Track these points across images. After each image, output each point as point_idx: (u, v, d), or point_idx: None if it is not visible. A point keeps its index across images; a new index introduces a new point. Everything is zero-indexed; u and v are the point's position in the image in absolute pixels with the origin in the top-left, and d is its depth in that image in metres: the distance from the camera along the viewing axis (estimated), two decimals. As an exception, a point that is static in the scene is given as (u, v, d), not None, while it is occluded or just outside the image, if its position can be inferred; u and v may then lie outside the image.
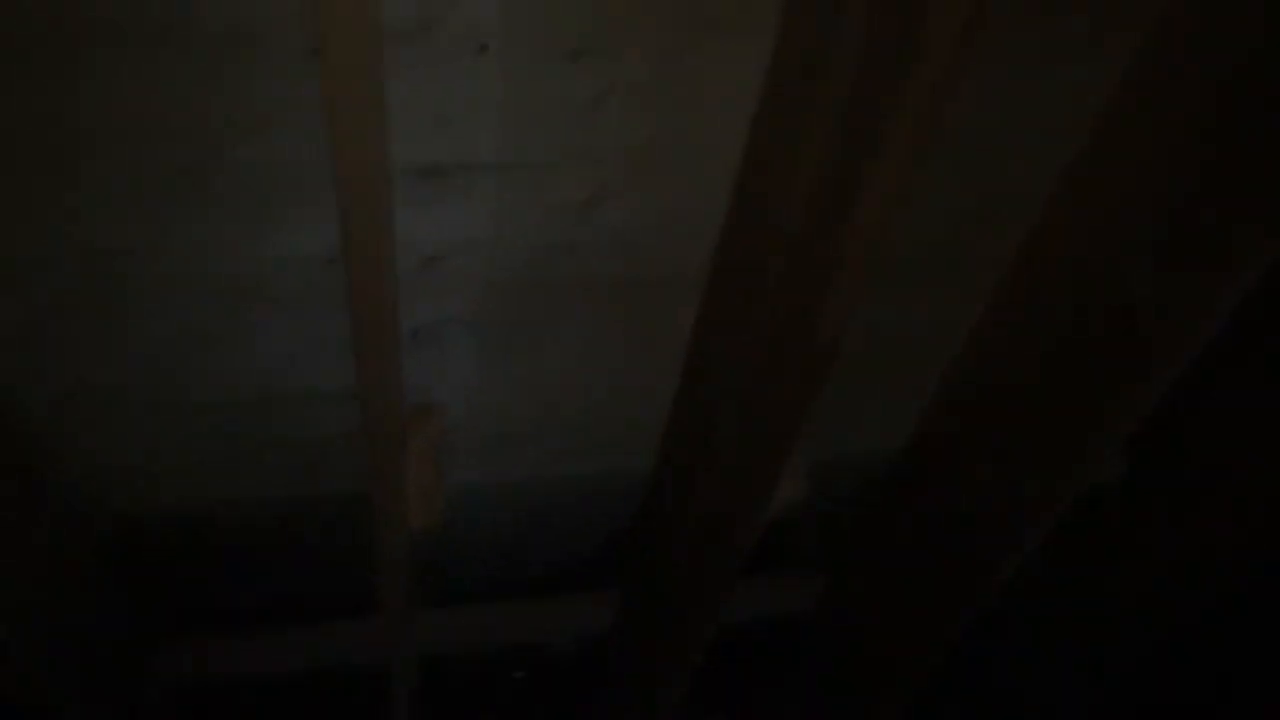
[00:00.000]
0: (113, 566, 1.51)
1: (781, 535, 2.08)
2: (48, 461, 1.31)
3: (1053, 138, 1.21)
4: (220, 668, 1.82)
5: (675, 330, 1.32)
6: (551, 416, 1.44)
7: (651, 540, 1.67)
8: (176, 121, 0.98)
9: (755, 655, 2.32)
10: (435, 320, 1.26)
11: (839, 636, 1.93)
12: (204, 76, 0.94)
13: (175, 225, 1.08)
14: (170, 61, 0.93)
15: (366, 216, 0.89)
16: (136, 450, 1.35)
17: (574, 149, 1.08)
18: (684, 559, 1.51)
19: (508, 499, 1.63)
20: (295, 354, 1.26)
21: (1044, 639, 2.07)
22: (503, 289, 1.23)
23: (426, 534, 1.19)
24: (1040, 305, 1.25)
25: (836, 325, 1.03)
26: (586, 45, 0.99)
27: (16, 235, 1.06)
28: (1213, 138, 1.04)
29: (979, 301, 1.37)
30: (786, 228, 1.03)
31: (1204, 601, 1.82)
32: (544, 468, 1.56)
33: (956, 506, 1.48)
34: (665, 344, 1.35)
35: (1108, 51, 1.13)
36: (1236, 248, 1.02)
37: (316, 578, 1.88)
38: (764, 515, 1.29)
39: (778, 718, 2.30)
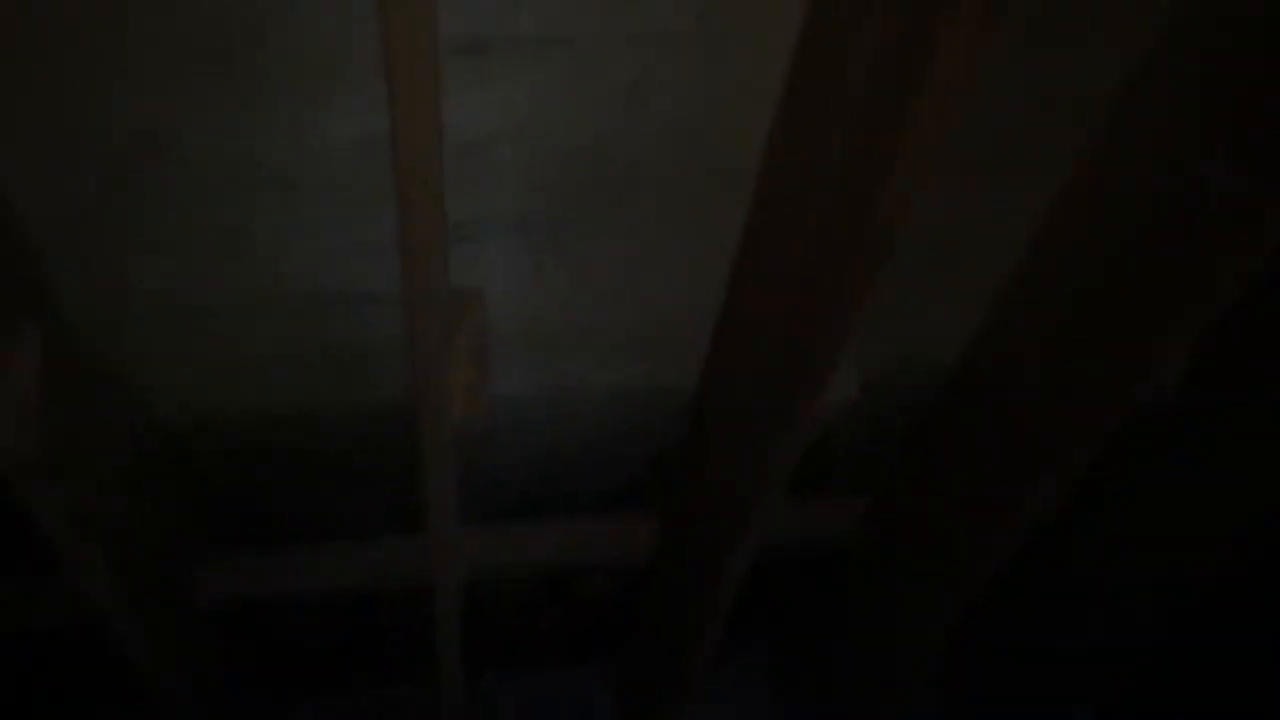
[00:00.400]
0: (157, 478, 1.50)
1: (823, 459, 2.07)
2: (91, 366, 1.30)
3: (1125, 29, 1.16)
4: (263, 585, 1.82)
5: (727, 225, 1.28)
6: (595, 322, 1.41)
7: (695, 456, 1.64)
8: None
9: (794, 580, 2.31)
10: (476, 215, 1.23)
11: (880, 560, 1.91)
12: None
13: (212, 110, 1.06)
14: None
15: (413, 85, 0.87)
16: (178, 354, 1.34)
17: (619, 24, 1.04)
18: (728, 471, 1.48)
19: (548, 411, 1.60)
20: (339, 251, 1.24)
21: (1077, 586, 2.04)
22: (546, 182, 1.20)
23: (471, 426, 1.16)
24: (1110, 201, 1.20)
25: (896, 209, 0.99)
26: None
27: (59, 118, 1.04)
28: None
29: (1044, 198, 1.33)
30: (846, 108, 0.99)
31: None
32: (586, 379, 1.53)
33: (1012, 417, 1.45)
34: (716, 241, 1.31)
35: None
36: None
37: (363, 494, 1.87)
38: (813, 420, 1.26)
39: (816, 642, 2.29)
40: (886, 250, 0.97)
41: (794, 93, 1.10)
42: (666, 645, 1.96)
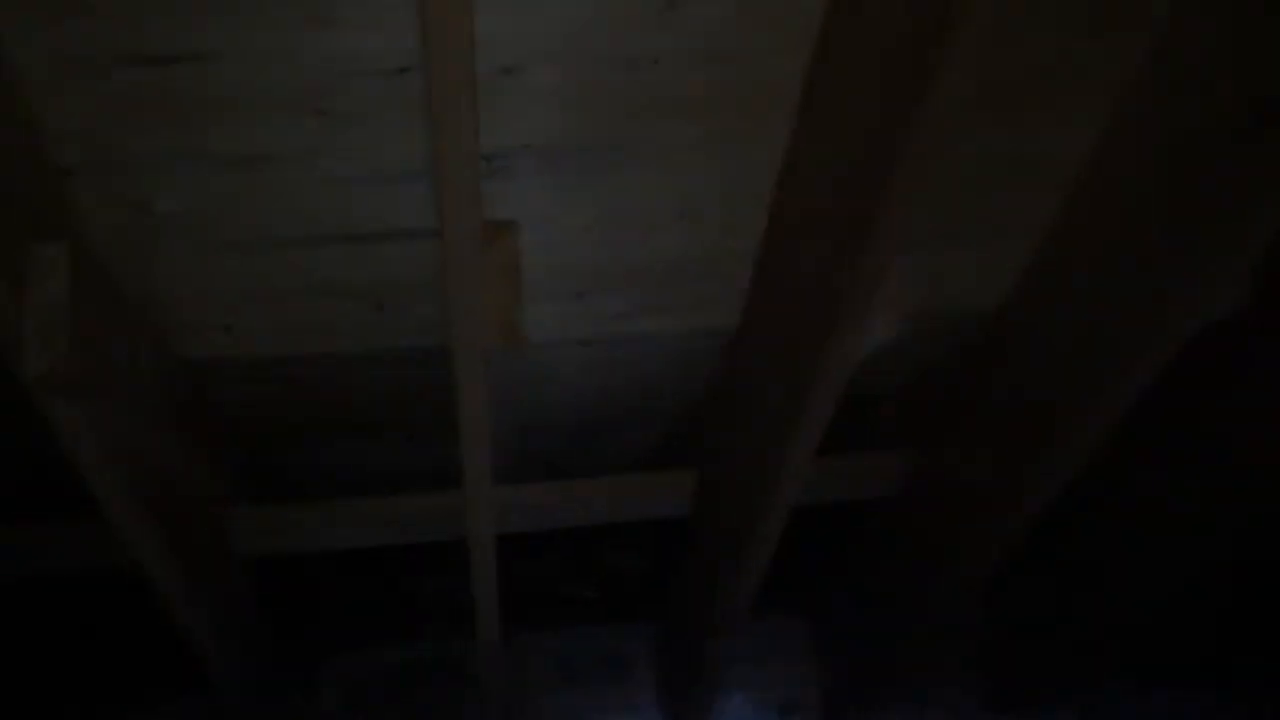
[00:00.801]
0: (187, 418, 1.49)
1: (865, 415, 2.03)
2: (118, 298, 1.29)
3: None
4: (296, 537, 1.81)
5: (769, 152, 1.25)
6: (632, 258, 1.38)
7: (734, 399, 1.61)
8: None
9: (834, 541, 2.28)
10: (509, 145, 1.20)
11: (922, 513, 1.87)
12: None
13: (244, 33, 1.04)
14: None
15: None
16: (205, 290, 1.33)
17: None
18: (768, 413, 1.45)
19: (585, 356, 1.58)
20: (368, 183, 1.21)
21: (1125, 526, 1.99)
22: (581, 108, 1.17)
23: (509, 354, 1.14)
24: (1166, 112, 1.16)
25: (941, 119, 0.96)
26: None
27: (90, 36, 1.02)
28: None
29: (1085, 130, 1.29)
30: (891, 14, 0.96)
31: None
32: (623, 321, 1.50)
33: (1061, 352, 1.41)
34: (758, 169, 1.27)
35: None
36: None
37: (396, 447, 1.86)
38: (856, 353, 1.23)
39: (856, 601, 2.25)
40: (937, 136, 0.93)
41: (832, 20, 1.07)
42: (705, 598, 1.94)
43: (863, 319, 1.16)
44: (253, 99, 1.11)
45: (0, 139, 1.03)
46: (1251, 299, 1.14)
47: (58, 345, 0.98)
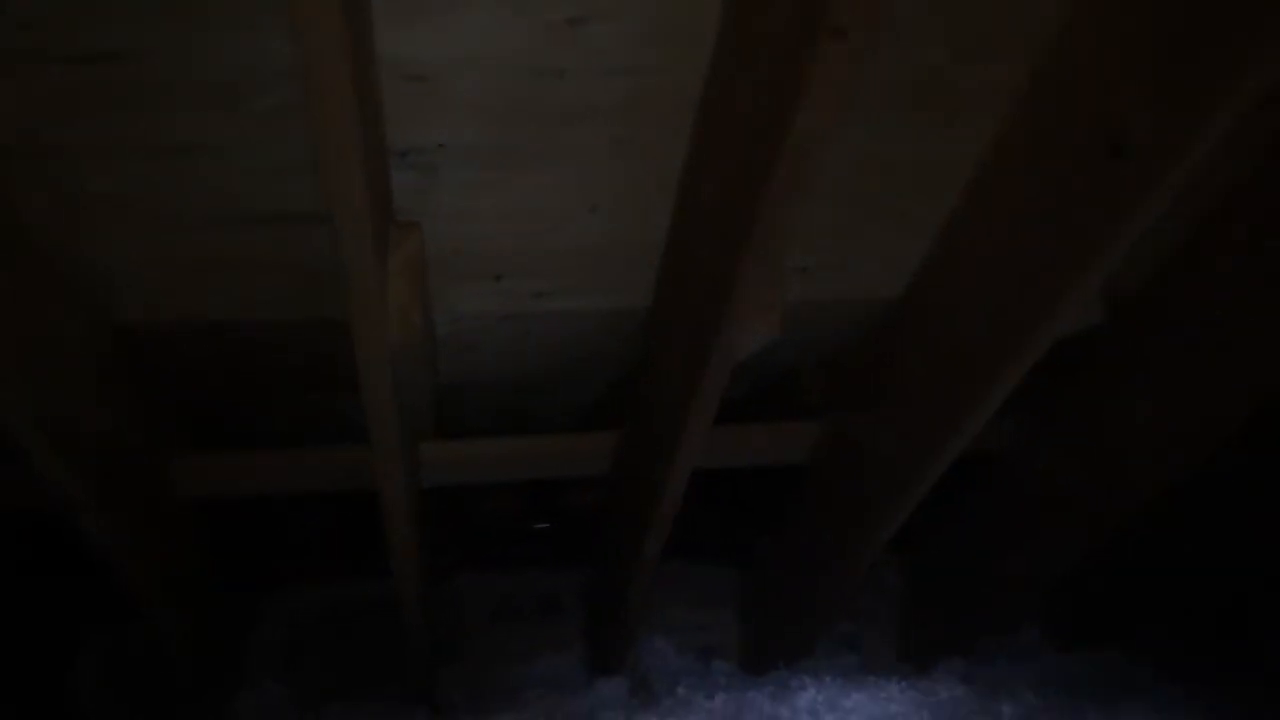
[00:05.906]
0: (124, 378, 1.56)
1: (785, 386, 2.11)
2: (53, 268, 1.35)
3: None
4: (234, 484, 1.88)
5: (673, 157, 1.32)
6: (547, 246, 1.45)
7: (645, 380, 1.69)
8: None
9: (757, 504, 2.37)
10: (425, 144, 1.26)
11: (841, 474, 1.97)
12: None
13: (167, 31, 1.10)
14: None
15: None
16: (136, 261, 1.39)
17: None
18: (672, 389, 1.54)
19: (506, 329, 1.65)
20: (280, 171, 1.27)
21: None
22: (494, 115, 1.24)
23: (405, 349, 1.21)
24: (1041, 131, 1.24)
25: (822, 119, 1.03)
26: None
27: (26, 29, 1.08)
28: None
29: (968, 133, 1.36)
30: (766, 45, 1.03)
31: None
32: (542, 302, 1.57)
33: (952, 341, 1.52)
34: (663, 169, 1.35)
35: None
36: (1219, 83, 1.00)
37: (323, 402, 1.93)
38: (743, 348, 1.31)
39: (784, 552, 2.36)
40: (799, 172, 1.01)
41: (726, 35, 1.13)
42: (625, 546, 2.03)
43: (746, 318, 1.24)
44: (176, 92, 1.17)
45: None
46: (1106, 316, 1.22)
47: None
